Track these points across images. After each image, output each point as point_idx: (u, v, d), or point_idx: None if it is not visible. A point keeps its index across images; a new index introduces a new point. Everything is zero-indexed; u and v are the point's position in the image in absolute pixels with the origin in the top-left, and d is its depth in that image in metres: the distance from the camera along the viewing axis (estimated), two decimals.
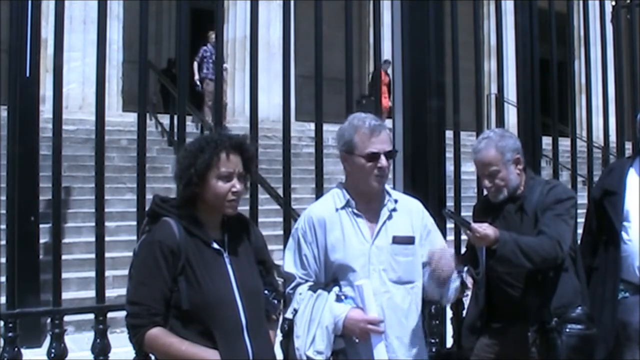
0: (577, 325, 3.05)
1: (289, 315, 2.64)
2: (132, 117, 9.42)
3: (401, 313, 2.67)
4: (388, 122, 3.36)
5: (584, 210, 3.60)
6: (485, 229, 2.96)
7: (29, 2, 3.24)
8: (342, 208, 2.72)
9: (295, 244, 2.74)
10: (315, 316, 2.59)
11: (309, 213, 2.76)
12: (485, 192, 3.54)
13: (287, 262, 2.76)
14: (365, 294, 2.57)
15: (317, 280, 2.70)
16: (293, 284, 2.71)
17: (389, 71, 4.19)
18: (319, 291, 2.64)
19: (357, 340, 2.59)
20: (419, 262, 2.75)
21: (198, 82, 12.69)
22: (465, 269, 3.15)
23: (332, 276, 2.68)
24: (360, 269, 2.64)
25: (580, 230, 3.57)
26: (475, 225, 2.97)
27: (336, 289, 2.64)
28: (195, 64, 12.74)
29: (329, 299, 2.61)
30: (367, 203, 2.73)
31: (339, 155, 2.76)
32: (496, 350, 3.24)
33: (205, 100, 12.65)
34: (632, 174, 3.41)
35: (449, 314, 3.92)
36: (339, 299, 2.61)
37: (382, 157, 2.66)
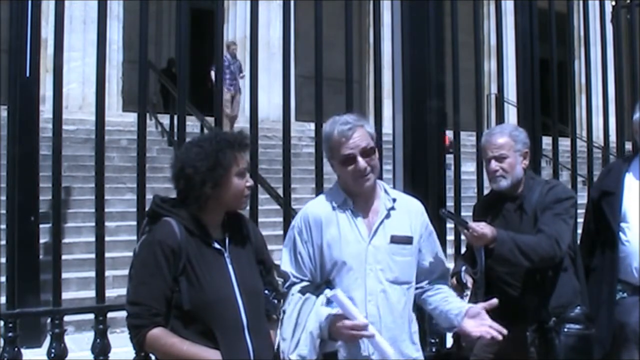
0: (575, 325, 3.05)
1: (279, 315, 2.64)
2: (132, 117, 9.45)
3: (397, 313, 2.66)
4: None
5: (584, 211, 3.60)
6: (483, 228, 2.96)
7: (29, 2, 3.24)
8: (340, 206, 2.71)
9: (292, 242, 2.73)
10: (301, 320, 2.57)
11: (305, 211, 2.75)
12: (485, 192, 3.55)
13: (284, 260, 2.75)
14: (342, 302, 2.50)
15: (313, 279, 2.69)
16: (288, 283, 2.70)
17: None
18: (307, 295, 2.62)
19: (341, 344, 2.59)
20: (415, 263, 2.75)
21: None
22: (463, 268, 3.15)
23: (327, 275, 2.66)
24: (357, 268, 2.63)
25: (580, 230, 3.58)
26: (472, 225, 2.98)
27: (327, 291, 2.63)
28: (212, 73, 12.59)
29: (316, 303, 2.59)
30: (364, 201, 2.72)
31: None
32: (495, 350, 3.24)
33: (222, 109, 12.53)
34: (629, 175, 3.41)
35: None
36: (328, 301, 2.59)
37: (359, 158, 2.62)
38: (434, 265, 2.82)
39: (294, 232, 2.73)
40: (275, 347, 2.55)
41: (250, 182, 2.47)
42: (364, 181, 2.65)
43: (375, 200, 2.74)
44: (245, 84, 12.28)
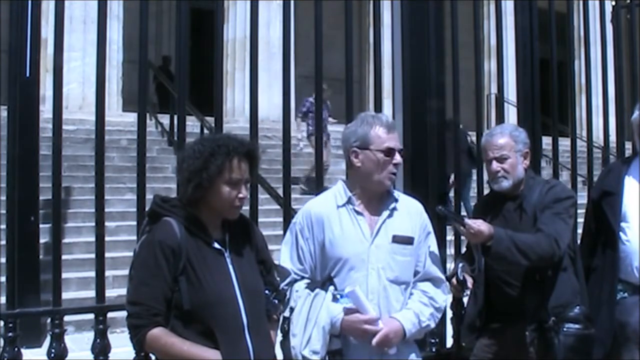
0: (574, 324, 3.04)
1: (285, 313, 2.64)
2: (132, 117, 9.42)
3: (395, 312, 2.67)
4: None
5: (584, 211, 3.60)
6: (480, 225, 2.96)
7: (29, 2, 3.24)
8: (343, 205, 2.72)
9: (293, 238, 2.74)
10: (312, 316, 2.58)
11: (307, 208, 2.75)
12: (485, 192, 3.54)
13: (284, 256, 2.76)
14: (360, 298, 2.55)
15: (313, 276, 2.70)
16: (288, 280, 2.70)
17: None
18: (317, 290, 2.63)
19: (354, 342, 2.60)
20: (414, 263, 2.75)
21: (302, 142, 10.62)
22: (460, 265, 3.15)
23: (328, 274, 2.67)
24: (359, 267, 2.64)
25: (580, 230, 3.57)
26: (469, 222, 2.97)
27: (332, 288, 2.63)
28: (300, 120, 10.81)
29: (326, 298, 2.60)
30: (368, 201, 2.73)
31: (348, 153, 2.74)
32: (494, 350, 3.24)
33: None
34: (629, 175, 3.41)
35: (449, 314, 3.92)
36: (334, 298, 2.60)
37: (397, 154, 2.69)
38: (423, 266, 2.80)
39: (296, 229, 2.73)
40: (277, 346, 2.55)
41: (243, 194, 2.41)
42: (393, 178, 2.72)
43: (379, 199, 2.75)
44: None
